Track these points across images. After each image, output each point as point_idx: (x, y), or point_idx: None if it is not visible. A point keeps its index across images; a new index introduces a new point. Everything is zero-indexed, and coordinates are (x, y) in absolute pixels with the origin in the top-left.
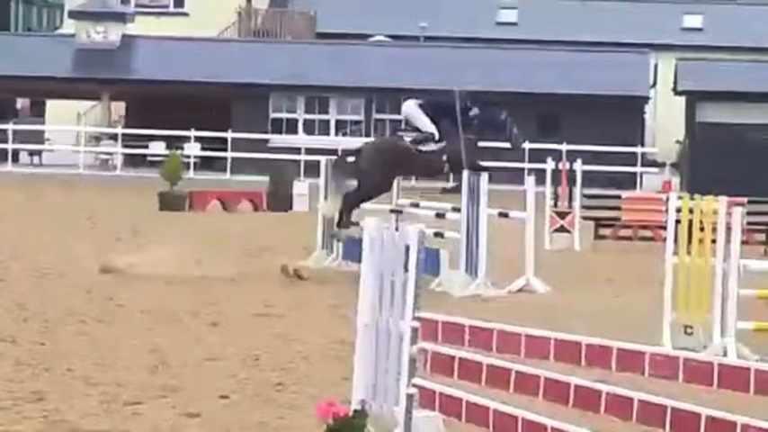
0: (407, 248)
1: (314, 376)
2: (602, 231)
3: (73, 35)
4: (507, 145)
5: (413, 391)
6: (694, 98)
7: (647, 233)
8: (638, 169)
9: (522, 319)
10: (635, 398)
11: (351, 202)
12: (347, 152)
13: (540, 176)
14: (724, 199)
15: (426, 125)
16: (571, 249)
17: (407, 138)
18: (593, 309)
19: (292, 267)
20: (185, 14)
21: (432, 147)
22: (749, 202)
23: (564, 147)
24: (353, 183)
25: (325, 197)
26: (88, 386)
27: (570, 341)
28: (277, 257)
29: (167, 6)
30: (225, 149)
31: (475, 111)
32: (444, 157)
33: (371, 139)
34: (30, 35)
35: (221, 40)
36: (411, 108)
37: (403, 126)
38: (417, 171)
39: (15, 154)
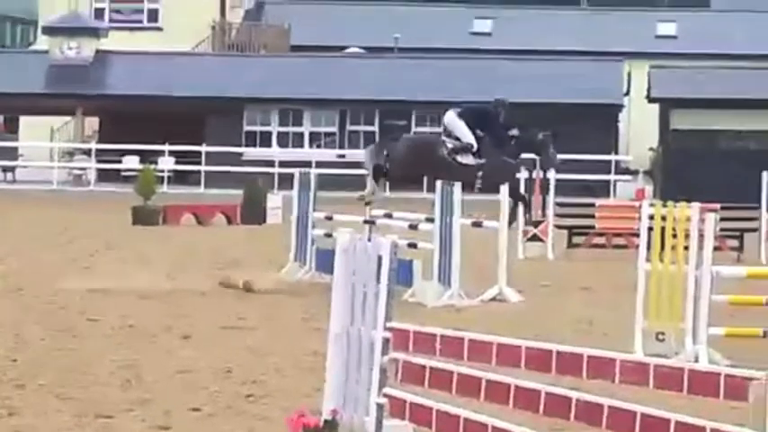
0: (380, 259)
1: (286, 388)
2: (576, 240)
3: (46, 51)
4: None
5: (383, 400)
6: (667, 105)
7: (621, 241)
8: (611, 177)
9: (495, 328)
10: (605, 404)
11: (379, 176)
12: (385, 141)
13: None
14: (697, 205)
15: (466, 135)
16: (544, 258)
17: (449, 144)
18: (565, 317)
19: (242, 281)
20: (159, 29)
21: (470, 159)
22: (722, 208)
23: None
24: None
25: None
26: (60, 401)
27: (541, 349)
28: (248, 270)
29: (141, 21)
30: (199, 163)
31: (514, 131)
32: (480, 173)
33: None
34: (3, 52)
35: (195, 55)
36: (451, 118)
37: (443, 136)
38: (447, 178)
39: None
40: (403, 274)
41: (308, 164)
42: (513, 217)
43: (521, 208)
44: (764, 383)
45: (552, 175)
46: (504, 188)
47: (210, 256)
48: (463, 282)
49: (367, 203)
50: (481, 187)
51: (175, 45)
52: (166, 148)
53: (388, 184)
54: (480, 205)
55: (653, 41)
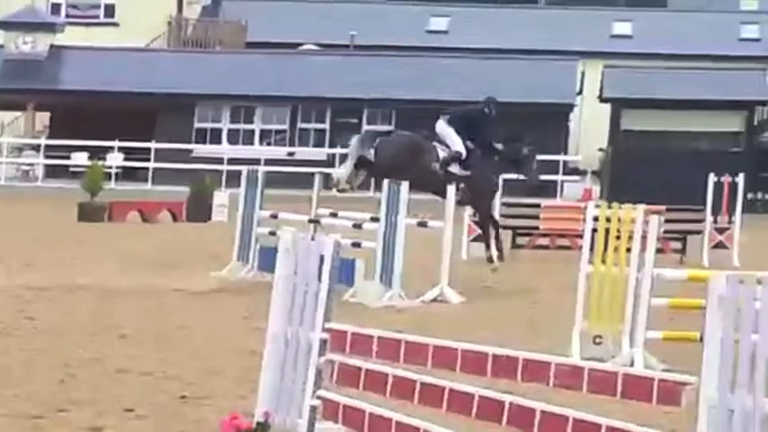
0: (322, 258)
1: (222, 389)
2: (520, 240)
3: (2, 46)
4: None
5: (317, 402)
6: (619, 105)
7: (565, 242)
8: (559, 177)
9: (434, 329)
10: (537, 408)
11: (362, 169)
12: (375, 134)
13: None
14: (642, 207)
15: (455, 143)
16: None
17: (440, 152)
18: (505, 319)
19: None
20: (116, 24)
21: (456, 169)
22: (668, 210)
23: None
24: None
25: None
26: None
27: (477, 352)
28: (190, 269)
29: (98, 17)
30: (148, 160)
31: (499, 146)
32: (461, 186)
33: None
34: None
35: (150, 50)
36: (441, 127)
37: (435, 142)
38: (430, 187)
39: None
40: (345, 273)
41: (257, 161)
42: (498, 243)
43: (469, 210)
44: (697, 389)
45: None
46: (451, 189)
47: (153, 254)
48: (406, 282)
49: (340, 190)
50: (460, 201)
51: (132, 41)
52: (116, 144)
53: (373, 182)
54: (426, 205)
55: (608, 41)
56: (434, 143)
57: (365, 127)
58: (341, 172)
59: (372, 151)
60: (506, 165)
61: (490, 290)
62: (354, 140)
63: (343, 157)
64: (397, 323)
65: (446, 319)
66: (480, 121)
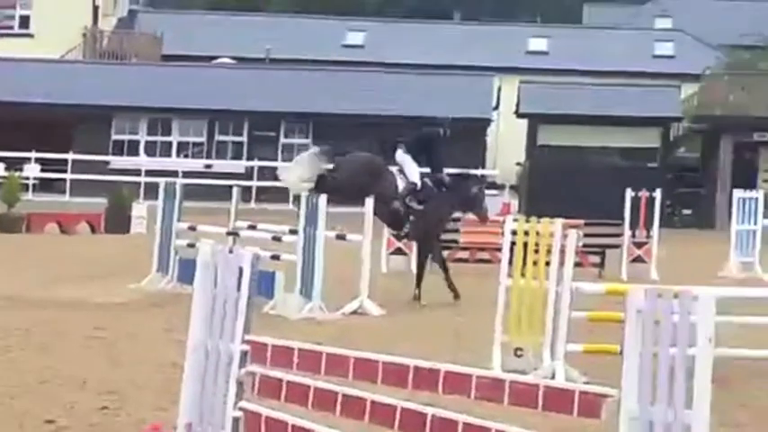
0: (241, 271)
1: (142, 400)
2: None
3: None
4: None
5: (238, 414)
6: (535, 121)
7: (485, 255)
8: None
9: (355, 342)
10: (459, 420)
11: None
12: (330, 152)
13: None
14: (560, 221)
15: (412, 174)
16: (408, 272)
17: (400, 182)
18: (427, 331)
19: None
20: (30, 36)
21: (415, 206)
22: (586, 224)
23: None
24: (324, 167)
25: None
26: None
27: (398, 364)
28: (109, 280)
29: (12, 27)
30: (65, 171)
31: (446, 178)
32: (411, 218)
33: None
34: None
35: (66, 62)
36: (400, 156)
37: (395, 169)
38: (384, 215)
39: None
40: (265, 286)
41: (175, 173)
42: (449, 281)
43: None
44: (617, 401)
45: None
46: (369, 201)
47: (71, 265)
48: (326, 295)
49: (297, 196)
50: (408, 233)
51: (47, 52)
52: (33, 155)
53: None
54: (344, 218)
55: (524, 57)
56: (393, 169)
57: (282, 140)
58: (291, 178)
59: (328, 168)
60: (456, 201)
61: (410, 302)
62: (307, 154)
63: (262, 170)
64: (318, 335)
65: (367, 332)
66: (434, 144)
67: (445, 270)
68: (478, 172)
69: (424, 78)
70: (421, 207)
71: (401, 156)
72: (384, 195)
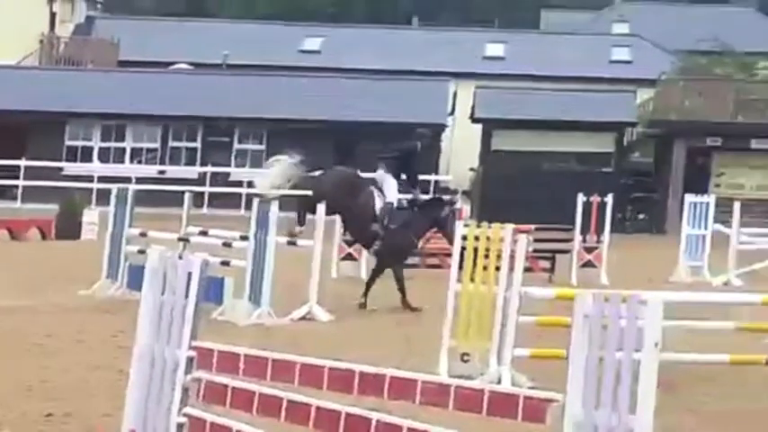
0: (189, 276)
1: (88, 407)
2: None
3: None
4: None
5: (183, 420)
6: (490, 126)
7: (435, 261)
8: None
9: (304, 347)
10: (404, 426)
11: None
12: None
13: None
14: (510, 227)
15: (389, 193)
16: (358, 278)
17: (377, 197)
18: (376, 337)
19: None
20: None
21: (393, 226)
22: (536, 229)
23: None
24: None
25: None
26: None
27: (344, 369)
28: (59, 287)
29: None
30: (18, 177)
31: (419, 196)
32: (382, 235)
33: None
34: None
35: (21, 68)
36: (380, 175)
37: (372, 186)
38: (357, 233)
39: None
40: (214, 291)
41: (128, 179)
42: (404, 303)
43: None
44: (562, 406)
45: None
46: (321, 207)
47: (21, 272)
48: (275, 300)
49: (266, 200)
50: (377, 251)
51: (4, 58)
52: None
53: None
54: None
55: (481, 62)
56: (372, 186)
57: (236, 146)
58: (264, 184)
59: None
60: (427, 221)
61: (360, 308)
62: (283, 162)
63: (215, 176)
64: (266, 341)
65: (316, 337)
66: (413, 158)
67: (402, 292)
68: (432, 177)
69: (380, 84)
70: (393, 226)
71: (381, 174)
72: (360, 212)
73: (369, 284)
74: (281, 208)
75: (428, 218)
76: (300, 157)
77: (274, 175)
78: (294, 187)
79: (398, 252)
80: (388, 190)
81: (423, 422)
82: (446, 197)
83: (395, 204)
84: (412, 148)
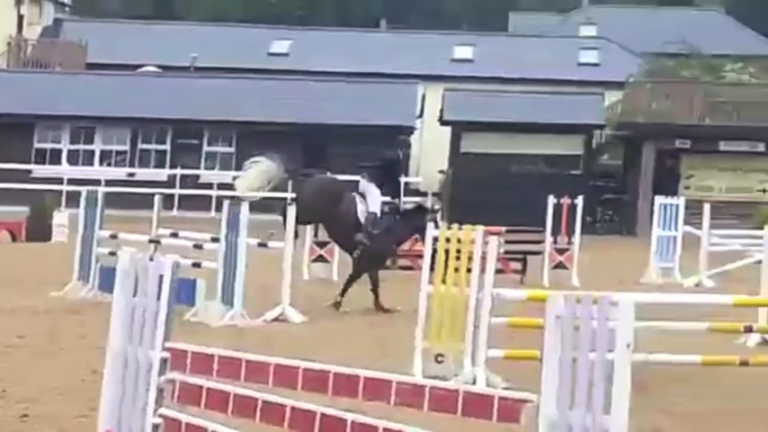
0: (161, 278)
1: (62, 408)
2: None
3: None
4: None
5: (158, 421)
6: (459, 128)
7: (407, 262)
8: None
9: (277, 348)
10: (379, 426)
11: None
12: (302, 172)
13: None
14: (481, 229)
15: (373, 204)
16: (329, 279)
17: (360, 204)
18: (349, 338)
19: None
20: None
21: (375, 231)
22: (507, 231)
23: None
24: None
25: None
26: None
27: (318, 370)
28: (30, 289)
29: None
30: None
31: (404, 209)
32: (365, 241)
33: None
34: None
35: None
36: (363, 186)
37: (356, 194)
38: (341, 240)
39: None
40: (187, 293)
41: (98, 182)
42: (377, 305)
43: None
44: (536, 406)
45: None
46: (291, 209)
47: None
48: (247, 302)
49: (243, 199)
50: (358, 256)
51: None
52: None
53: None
54: (267, 225)
55: (449, 64)
56: (355, 194)
57: (206, 148)
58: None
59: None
60: (408, 229)
61: (331, 309)
62: (262, 164)
63: (185, 178)
64: (240, 342)
65: (289, 339)
66: (394, 167)
67: (376, 294)
68: (402, 179)
69: (349, 86)
70: (376, 231)
71: (364, 185)
72: (342, 219)
73: (345, 288)
74: (252, 210)
75: (410, 226)
76: (279, 158)
77: (253, 177)
78: (274, 189)
79: (378, 258)
80: (372, 200)
81: (398, 422)
82: (428, 206)
83: (378, 215)
84: (393, 158)
